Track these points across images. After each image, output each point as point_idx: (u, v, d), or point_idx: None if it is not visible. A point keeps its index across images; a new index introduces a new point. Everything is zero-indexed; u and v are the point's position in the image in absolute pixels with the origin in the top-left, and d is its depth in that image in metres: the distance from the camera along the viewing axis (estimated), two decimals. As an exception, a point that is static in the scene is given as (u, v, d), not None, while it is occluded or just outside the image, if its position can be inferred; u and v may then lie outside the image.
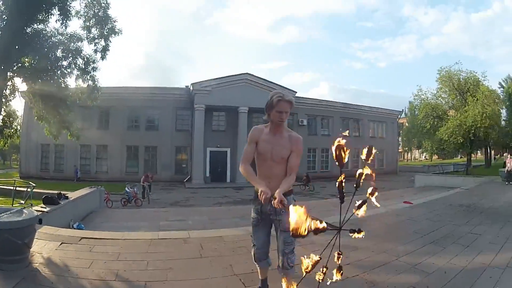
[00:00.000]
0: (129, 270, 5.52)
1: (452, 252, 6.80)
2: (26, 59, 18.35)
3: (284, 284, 3.95)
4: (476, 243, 7.57)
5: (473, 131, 35.39)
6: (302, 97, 47.54)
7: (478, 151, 61.03)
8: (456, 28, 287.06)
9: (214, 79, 40.69)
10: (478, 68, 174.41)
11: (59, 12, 18.01)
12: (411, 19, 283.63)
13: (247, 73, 42.36)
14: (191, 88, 40.73)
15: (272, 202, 3.53)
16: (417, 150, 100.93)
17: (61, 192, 13.88)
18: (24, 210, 5.80)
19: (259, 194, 3.68)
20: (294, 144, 4.07)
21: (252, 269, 4.80)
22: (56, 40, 18.78)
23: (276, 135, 4.12)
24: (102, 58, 19.85)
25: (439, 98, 41.19)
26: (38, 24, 18.06)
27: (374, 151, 3.64)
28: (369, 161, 3.52)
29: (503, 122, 48.42)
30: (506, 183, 23.08)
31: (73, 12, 18.68)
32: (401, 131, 59.53)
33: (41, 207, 11.01)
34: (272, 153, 4.02)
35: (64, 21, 18.32)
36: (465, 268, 5.83)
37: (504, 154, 42.09)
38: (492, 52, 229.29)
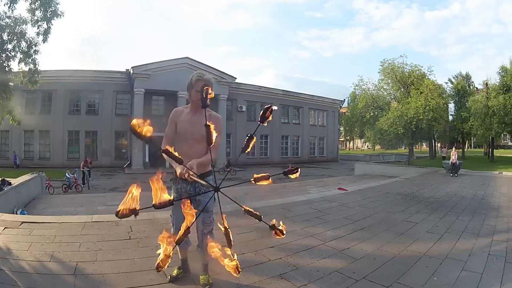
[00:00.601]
0: (63, 251, 5.61)
1: (384, 239, 6.91)
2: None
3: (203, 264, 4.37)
4: (411, 231, 7.71)
5: (414, 122, 36.17)
6: (242, 83, 48.55)
7: (424, 143, 62.12)
8: (408, 24, 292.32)
9: (154, 62, 40.71)
10: (428, 63, 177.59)
11: None
12: (362, 12, 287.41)
13: (187, 57, 42.50)
14: (131, 71, 40.41)
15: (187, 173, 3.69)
16: (360, 140, 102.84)
17: (4, 178, 14.02)
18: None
19: (178, 173, 3.81)
20: (214, 123, 4.01)
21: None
22: (4, 23, 18.65)
23: (197, 114, 4.25)
24: (44, 40, 19.56)
25: (381, 90, 42.23)
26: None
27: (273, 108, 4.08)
28: (265, 124, 4.04)
29: (450, 117, 50.21)
30: (451, 174, 23.74)
31: (19, -5, 18.38)
32: (342, 120, 60.79)
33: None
34: (192, 132, 4.14)
35: (12, 5, 18.20)
36: (397, 256, 5.91)
37: (443, 149, 42.99)
38: (445, 50, 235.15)
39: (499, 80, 42.94)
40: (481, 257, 5.96)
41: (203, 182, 3.76)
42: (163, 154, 3.78)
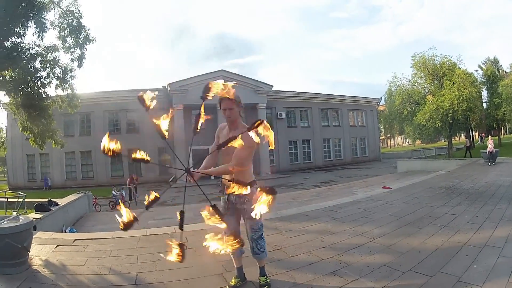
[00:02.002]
0: (121, 264, 5.86)
1: (427, 233, 7.01)
2: (6, 72, 18.38)
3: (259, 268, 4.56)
4: (453, 223, 7.76)
5: (450, 114, 35.48)
6: (280, 90, 48.02)
7: (462, 134, 61.22)
8: (430, 14, 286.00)
9: (190, 78, 40.99)
10: (454, 52, 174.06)
11: (35, 25, 18.12)
12: (385, 7, 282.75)
13: (222, 70, 42.48)
14: (168, 88, 40.75)
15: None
16: (400, 136, 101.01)
17: (50, 199, 14.14)
18: (20, 217, 6.05)
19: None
20: (245, 138, 4.04)
21: (233, 256, 5.06)
22: (34, 52, 18.87)
23: (232, 130, 4.41)
24: (79, 66, 20.02)
25: (415, 84, 41.23)
26: (16, 37, 18.11)
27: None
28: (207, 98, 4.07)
29: (484, 105, 49.15)
30: (489, 164, 23.50)
31: (48, 24, 18.84)
32: (381, 118, 59.00)
33: (35, 214, 11.36)
34: (227, 149, 4.17)
35: (40, 34, 18.41)
36: (440, 247, 6.03)
37: (466, 139, 42.70)
38: (467, 36, 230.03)
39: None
40: (516, 243, 6.03)
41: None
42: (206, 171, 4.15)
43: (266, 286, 4.59)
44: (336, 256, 5.87)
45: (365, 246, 6.37)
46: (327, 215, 9.44)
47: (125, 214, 3.60)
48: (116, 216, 3.56)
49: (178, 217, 4.04)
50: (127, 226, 3.50)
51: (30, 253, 5.87)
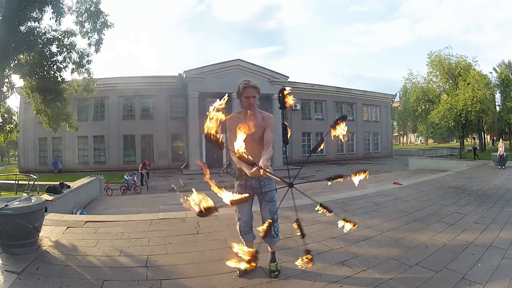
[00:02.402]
0: (132, 246, 5.94)
1: (435, 230, 7.08)
2: (22, 56, 18.47)
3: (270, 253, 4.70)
4: (460, 222, 7.82)
5: (464, 114, 35.44)
6: (295, 82, 47.73)
7: (474, 136, 61.23)
8: (448, 13, 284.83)
9: (206, 66, 41.20)
10: (472, 53, 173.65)
11: (52, 10, 18.17)
12: (404, 3, 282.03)
13: (238, 59, 42.60)
14: (184, 75, 40.90)
15: (260, 171, 3.94)
16: (413, 134, 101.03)
17: (63, 181, 14.34)
18: (32, 197, 6.11)
19: (251, 173, 4.11)
20: (267, 122, 4.54)
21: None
22: (51, 36, 18.97)
23: (251, 117, 4.48)
24: (96, 51, 20.03)
25: (430, 82, 41.19)
26: (32, 22, 18.17)
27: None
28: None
29: (497, 108, 49.10)
30: (499, 167, 23.39)
31: (65, 9, 18.84)
32: (395, 115, 58.85)
33: (47, 195, 11.48)
34: (252, 134, 4.24)
35: (58, 18, 18.45)
36: (447, 245, 6.10)
37: (476, 141, 42.78)
38: (486, 38, 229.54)
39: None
40: (521, 245, 6.08)
41: (278, 179, 4.18)
42: (235, 159, 4.08)
43: (276, 272, 4.72)
44: (346, 247, 5.98)
45: (374, 239, 6.49)
46: (338, 207, 9.60)
47: (206, 200, 3.52)
48: (191, 199, 3.46)
49: (296, 226, 4.19)
50: (206, 212, 3.43)
51: (40, 234, 5.94)
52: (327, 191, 16.31)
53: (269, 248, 4.84)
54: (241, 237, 4.75)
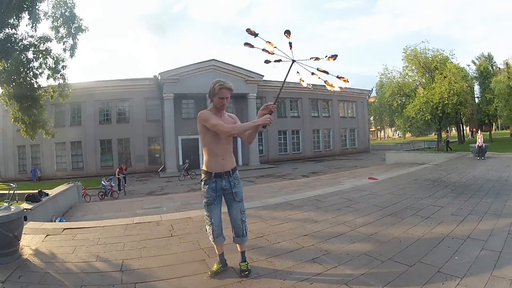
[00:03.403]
0: (108, 251, 6.00)
1: (410, 223, 7.18)
2: (0, 64, 18.38)
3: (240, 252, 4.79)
4: (436, 214, 7.91)
5: (440, 107, 35.77)
6: (270, 80, 47.65)
7: (453, 128, 61.40)
8: (428, 7, 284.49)
9: (181, 67, 40.92)
10: (451, 47, 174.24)
11: (29, 16, 18.04)
12: None
13: (213, 59, 42.56)
14: (159, 77, 40.74)
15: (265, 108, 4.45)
16: (390, 129, 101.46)
17: (41, 189, 14.24)
18: (11, 206, 6.14)
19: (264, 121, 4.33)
20: (235, 119, 4.76)
21: (215, 243, 5.24)
22: (27, 42, 18.86)
23: (222, 118, 4.63)
24: (71, 56, 19.81)
25: (406, 77, 41.36)
26: (9, 29, 18.13)
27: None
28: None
29: (476, 100, 49.78)
30: (478, 158, 23.74)
31: (41, 15, 18.72)
32: (371, 110, 59.12)
33: (26, 204, 11.47)
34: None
35: (34, 24, 18.29)
36: (422, 238, 6.18)
37: (448, 134, 43.18)
38: (467, 31, 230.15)
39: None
40: (501, 236, 6.15)
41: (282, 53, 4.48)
42: (234, 130, 4.42)
43: (247, 272, 4.77)
44: (317, 244, 6.02)
45: (347, 235, 6.55)
46: (311, 204, 9.64)
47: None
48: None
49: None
50: None
51: (21, 243, 5.99)
52: (303, 189, 16.79)
53: (238, 248, 4.91)
54: (212, 240, 4.78)
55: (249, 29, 4.42)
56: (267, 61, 4.62)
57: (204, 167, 4.63)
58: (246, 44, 4.44)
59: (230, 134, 4.44)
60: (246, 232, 4.78)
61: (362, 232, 6.66)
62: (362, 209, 8.76)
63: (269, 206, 9.41)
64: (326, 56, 4.35)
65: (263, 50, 4.48)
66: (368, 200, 10.01)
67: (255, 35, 4.41)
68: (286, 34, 4.40)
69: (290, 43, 4.42)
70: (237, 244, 4.88)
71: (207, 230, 4.77)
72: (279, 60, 4.59)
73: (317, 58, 4.39)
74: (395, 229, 6.80)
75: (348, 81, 4.52)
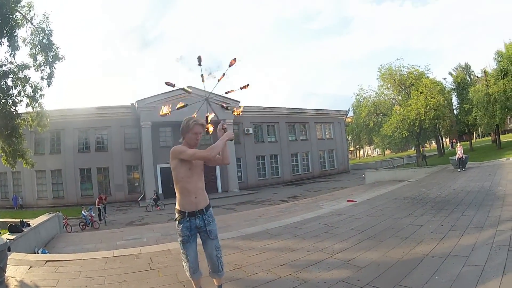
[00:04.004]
0: (89, 285, 6.00)
1: (389, 245, 7.17)
2: (-21, 90, 18.23)
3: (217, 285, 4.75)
4: (416, 234, 7.91)
5: (417, 123, 35.99)
6: (247, 106, 46.65)
7: (433, 141, 61.76)
8: (403, 22, 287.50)
9: (158, 95, 40.57)
10: (427, 60, 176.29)
11: (8, 43, 18.17)
12: (357, 17, 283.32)
13: (189, 87, 42.01)
14: (136, 105, 40.65)
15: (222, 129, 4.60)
16: (369, 147, 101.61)
17: (23, 220, 14.16)
18: (-5, 238, 6.15)
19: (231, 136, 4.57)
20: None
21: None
22: (7, 69, 18.92)
23: None
24: (48, 85, 19.85)
25: (382, 95, 41.95)
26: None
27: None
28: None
29: (455, 111, 50.44)
30: (458, 170, 23.94)
31: (20, 41, 18.87)
32: (348, 130, 59.42)
33: (8, 235, 11.39)
34: (196, 169, 4.54)
35: (13, 52, 18.46)
36: (401, 260, 6.15)
37: (423, 148, 43.62)
38: (443, 43, 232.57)
39: (496, 66, 42.79)
40: (484, 249, 6.15)
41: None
42: (213, 151, 4.43)
43: None
44: (294, 273, 5.98)
45: (324, 262, 6.51)
46: (289, 232, 9.63)
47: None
48: None
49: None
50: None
51: (6, 274, 6.06)
52: (282, 215, 16.66)
53: (215, 282, 4.90)
54: (189, 276, 4.75)
55: (167, 81, 5.01)
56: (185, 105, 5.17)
57: (177, 206, 4.62)
58: (167, 83, 4.99)
59: (212, 156, 4.44)
60: (222, 268, 4.76)
61: (340, 258, 6.63)
62: (340, 234, 8.74)
63: (246, 236, 9.46)
64: (240, 87, 5.10)
65: (182, 89, 5.41)
66: (346, 224, 9.98)
67: (172, 85, 5.02)
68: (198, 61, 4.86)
69: (201, 75, 4.97)
70: (214, 279, 4.88)
71: (184, 266, 4.76)
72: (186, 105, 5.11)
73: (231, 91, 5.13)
74: (373, 252, 6.80)
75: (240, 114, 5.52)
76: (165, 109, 4.86)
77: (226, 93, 5.20)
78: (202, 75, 4.97)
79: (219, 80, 4.95)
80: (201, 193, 4.54)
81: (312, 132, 57.55)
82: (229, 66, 4.85)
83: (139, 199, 39.96)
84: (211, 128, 5.03)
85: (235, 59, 4.82)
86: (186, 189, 4.48)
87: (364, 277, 5.45)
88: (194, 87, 5.07)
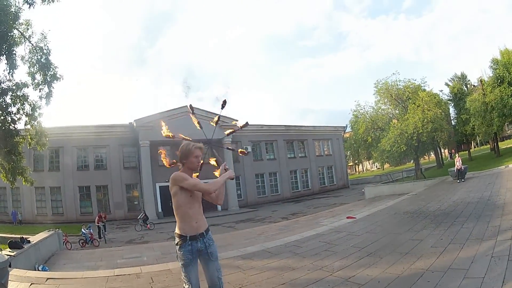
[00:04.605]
0: None
1: (389, 262, 7.16)
2: (-22, 108, 18.21)
3: None
4: (416, 249, 7.93)
5: (415, 137, 35.99)
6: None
7: (431, 153, 61.78)
8: (398, 36, 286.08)
9: (156, 114, 40.76)
10: (424, 71, 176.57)
11: (6, 61, 18.28)
12: (352, 33, 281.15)
13: (187, 106, 42.08)
14: (135, 124, 40.88)
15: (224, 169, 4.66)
16: (368, 161, 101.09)
17: (23, 236, 14.31)
18: (-3, 255, 6.15)
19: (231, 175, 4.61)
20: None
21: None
22: (6, 86, 18.97)
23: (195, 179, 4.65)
24: (47, 104, 19.92)
25: (379, 110, 42.00)
26: (-13, 72, 18.15)
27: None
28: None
29: (453, 122, 50.45)
30: (458, 181, 23.85)
31: (18, 59, 18.95)
32: (347, 145, 58.95)
33: (8, 251, 11.41)
34: (196, 196, 4.54)
35: (11, 70, 18.58)
36: (401, 276, 6.17)
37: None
38: (437, 53, 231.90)
39: (491, 74, 42.78)
40: (484, 261, 6.15)
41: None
42: (213, 187, 4.52)
43: None
44: None
45: (324, 280, 6.49)
46: (289, 250, 9.62)
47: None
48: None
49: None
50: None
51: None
52: (282, 233, 16.68)
53: None
54: None
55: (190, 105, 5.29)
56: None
57: (177, 231, 4.60)
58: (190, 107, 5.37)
59: (212, 190, 4.53)
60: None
61: (340, 276, 6.63)
62: (340, 252, 8.75)
63: (247, 255, 9.43)
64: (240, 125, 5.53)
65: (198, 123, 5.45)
66: (346, 242, 10.00)
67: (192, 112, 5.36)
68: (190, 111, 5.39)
69: (199, 123, 5.40)
70: None
71: None
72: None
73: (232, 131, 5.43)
74: (373, 269, 6.82)
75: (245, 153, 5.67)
76: (167, 131, 5.14)
77: (227, 135, 5.65)
78: (199, 123, 5.35)
79: (216, 123, 5.38)
80: (201, 218, 4.56)
81: (311, 149, 57.85)
82: (241, 127, 5.31)
83: (138, 217, 39.81)
84: (212, 162, 5.16)
85: (247, 123, 5.33)
86: (187, 215, 4.49)
87: (365, 295, 5.32)
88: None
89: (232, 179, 4.60)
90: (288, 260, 8.36)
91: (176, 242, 4.57)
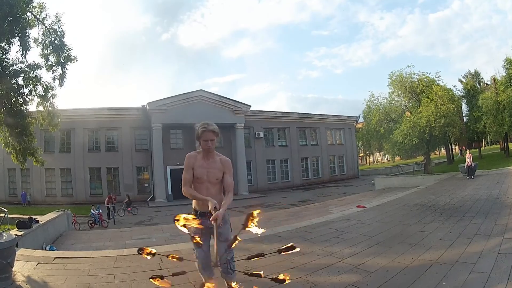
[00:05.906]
0: (99, 283, 5.99)
1: (397, 252, 7.13)
2: (-10, 88, 18.34)
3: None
4: (425, 240, 7.88)
5: (428, 131, 35.73)
6: (258, 110, 48.49)
7: (442, 148, 61.46)
8: (413, 30, 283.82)
9: (169, 97, 41.11)
10: (437, 68, 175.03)
11: (19, 42, 18.35)
12: (367, 24, 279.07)
13: (201, 90, 43.04)
14: (147, 107, 40.70)
15: (216, 220, 4.21)
16: (379, 153, 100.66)
17: (31, 216, 14.21)
18: (4, 234, 6.18)
19: (210, 208, 4.32)
20: (226, 166, 4.71)
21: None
22: (18, 68, 19.01)
23: (209, 160, 4.70)
24: (60, 85, 20.09)
25: (393, 102, 41.72)
26: (0, 53, 18.22)
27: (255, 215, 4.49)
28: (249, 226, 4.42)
29: (465, 118, 49.91)
30: (467, 177, 23.72)
31: (31, 41, 19.00)
32: (358, 136, 58.23)
33: (16, 231, 11.42)
34: (208, 175, 4.59)
35: (24, 52, 18.64)
36: (409, 266, 6.13)
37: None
38: (451, 51, 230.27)
39: (504, 73, 42.48)
40: (490, 257, 6.14)
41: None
42: (187, 193, 4.54)
43: None
44: (304, 276, 5.98)
45: (334, 266, 6.51)
46: (299, 235, 9.63)
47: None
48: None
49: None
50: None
51: (13, 269, 6.02)
52: (292, 219, 16.79)
53: (226, 283, 4.88)
54: (200, 273, 4.86)
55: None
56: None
57: (192, 204, 4.77)
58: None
59: (183, 191, 4.62)
60: (232, 270, 4.81)
61: (349, 263, 6.64)
62: (349, 239, 8.76)
63: (256, 238, 9.19)
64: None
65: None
66: (355, 230, 9.99)
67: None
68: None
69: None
70: (225, 280, 4.88)
71: (196, 264, 4.89)
72: None
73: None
74: (382, 258, 6.81)
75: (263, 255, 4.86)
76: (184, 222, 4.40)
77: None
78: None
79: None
80: (215, 197, 4.53)
81: (323, 137, 57.42)
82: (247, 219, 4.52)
83: (148, 200, 40.10)
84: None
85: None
86: (200, 192, 4.58)
87: (373, 282, 5.46)
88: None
89: (215, 222, 4.32)
90: (298, 245, 8.08)
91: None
